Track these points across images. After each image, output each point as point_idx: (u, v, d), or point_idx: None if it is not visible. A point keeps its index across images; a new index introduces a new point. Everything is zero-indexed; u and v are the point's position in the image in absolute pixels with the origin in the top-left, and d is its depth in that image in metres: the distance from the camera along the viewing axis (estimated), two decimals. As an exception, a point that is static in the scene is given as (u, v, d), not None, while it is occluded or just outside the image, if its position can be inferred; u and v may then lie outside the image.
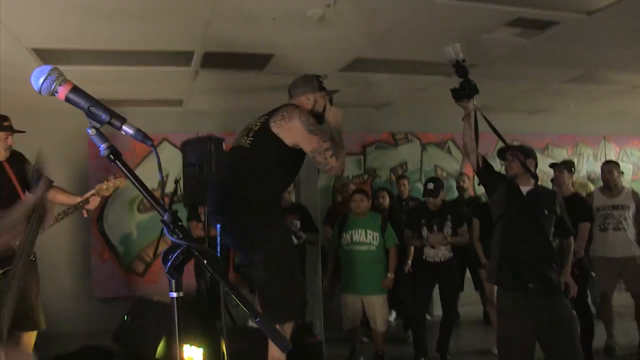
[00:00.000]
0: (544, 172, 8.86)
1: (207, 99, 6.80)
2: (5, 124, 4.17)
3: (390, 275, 5.47)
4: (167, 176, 7.12)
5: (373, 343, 5.66)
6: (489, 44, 4.94)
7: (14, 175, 4.24)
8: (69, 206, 4.26)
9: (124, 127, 1.62)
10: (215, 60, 5.19)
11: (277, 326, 3.43)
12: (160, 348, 4.80)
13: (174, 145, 7.18)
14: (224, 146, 5.64)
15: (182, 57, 5.06)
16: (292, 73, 5.75)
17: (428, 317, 6.34)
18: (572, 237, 4.04)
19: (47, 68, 1.58)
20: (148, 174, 6.99)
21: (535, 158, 3.97)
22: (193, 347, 4.73)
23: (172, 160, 6.85)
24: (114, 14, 3.93)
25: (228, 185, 3.57)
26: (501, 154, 4.09)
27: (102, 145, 1.59)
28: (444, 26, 4.50)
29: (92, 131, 1.57)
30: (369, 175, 8.06)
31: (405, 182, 7.42)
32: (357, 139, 8.01)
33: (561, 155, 9.01)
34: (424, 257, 5.53)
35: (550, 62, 5.75)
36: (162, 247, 6.81)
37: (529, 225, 3.73)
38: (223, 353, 4.25)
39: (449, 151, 8.46)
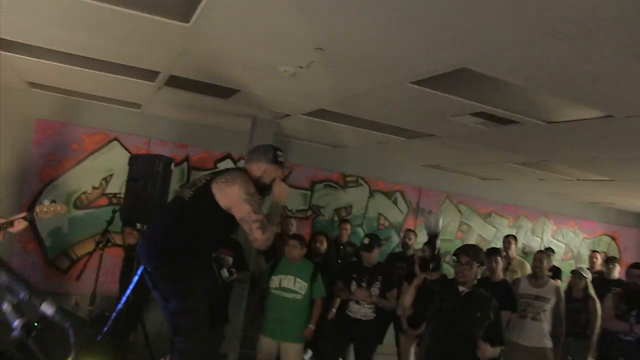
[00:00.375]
0: (483, 238, 9.16)
1: (166, 109, 6.69)
2: None
3: (312, 327, 5.48)
4: (111, 176, 6.97)
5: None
6: (451, 123, 5.04)
7: None
8: None
9: (42, 308, 1.59)
10: (179, 83, 5.11)
11: None
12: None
13: (124, 147, 7.04)
14: (172, 167, 5.59)
15: (147, 74, 4.96)
16: (255, 107, 5.79)
17: (341, 360, 6.37)
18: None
19: None
20: (94, 168, 6.88)
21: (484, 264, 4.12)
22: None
23: (119, 161, 6.75)
24: (91, 29, 3.82)
25: (159, 232, 3.72)
26: (458, 250, 4.19)
27: (15, 322, 1.56)
28: (411, 104, 4.56)
29: (6, 307, 1.52)
30: (313, 212, 8.07)
31: (348, 226, 7.46)
32: (307, 174, 8.02)
33: (502, 224, 9.29)
34: (347, 311, 5.58)
35: (506, 148, 5.92)
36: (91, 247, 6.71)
37: (459, 326, 3.82)
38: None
39: (395, 202, 8.57)
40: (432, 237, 3.99)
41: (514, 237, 7.58)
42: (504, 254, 7.25)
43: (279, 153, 3.92)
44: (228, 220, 3.63)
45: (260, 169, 3.85)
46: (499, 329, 4.09)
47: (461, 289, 3.99)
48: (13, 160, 6.57)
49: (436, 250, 4.10)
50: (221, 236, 4.00)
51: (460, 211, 9.01)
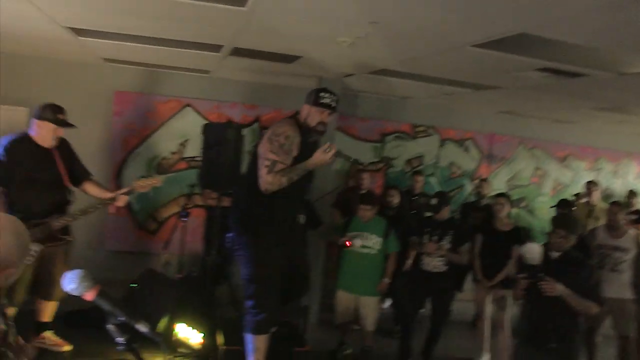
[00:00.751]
0: (560, 183, 8.91)
1: (234, 73, 6.85)
2: (59, 116, 4.41)
3: (386, 280, 5.62)
4: (187, 141, 7.27)
5: (362, 336, 5.87)
6: (517, 77, 4.92)
7: (61, 162, 4.48)
8: (98, 201, 4.51)
9: (138, 326, 1.83)
10: (243, 53, 5.23)
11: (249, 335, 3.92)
12: (163, 323, 5.08)
13: (197, 112, 7.29)
14: (243, 133, 5.78)
15: (211, 47, 5.11)
16: (319, 69, 5.85)
17: (422, 310, 6.52)
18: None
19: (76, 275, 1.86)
20: (170, 134, 7.19)
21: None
22: (194, 330, 5.03)
23: (193, 127, 6.96)
24: (155, 16, 4.00)
25: (237, 195, 4.02)
26: (556, 222, 4.07)
27: (119, 339, 1.80)
28: (474, 64, 4.49)
29: (111, 327, 1.77)
30: (384, 164, 8.11)
31: (420, 178, 7.46)
32: (376, 127, 8.01)
33: (580, 167, 8.98)
34: (420, 264, 5.69)
35: (578, 96, 5.71)
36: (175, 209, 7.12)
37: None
38: (219, 343, 4.53)
39: (467, 150, 8.44)
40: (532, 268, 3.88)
41: (596, 183, 7.28)
42: (585, 199, 7.07)
43: (322, 95, 3.82)
44: None
45: (304, 110, 3.82)
46: (595, 289, 4.03)
47: (554, 254, 3.94)
48: (98, 131, 6.95)
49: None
50: (287, 194, 3.80)
51: (534, 156, 8.77)
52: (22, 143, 4.37)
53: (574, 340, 3.83)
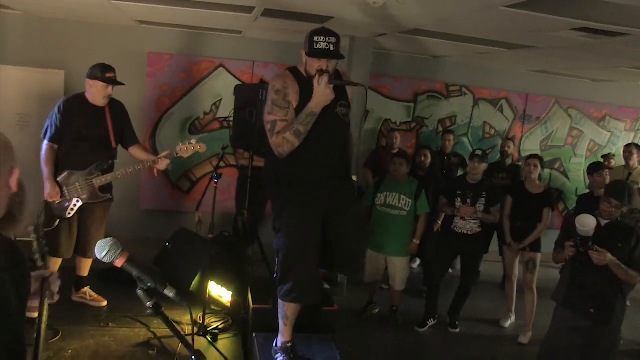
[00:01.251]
0: (596, 144, 8.73)
1: (266, 33, 6.83)
2: (108, 75, 4.61)
3: (416, 241, 5.67)
4: (220, 101, 7.33)
5: (390, 295, 5.98)
6: (552, 37, 4.81)
7: (110, 122, 4.66)
8: (140, 164, 4.68)
9: (165, 292, 1.91)
10: (275, 14, 5.22)
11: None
12: (195, 282, 5.23)
13: (229, 72, 7.32)
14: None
15: (243, 8, 5.11)
16: (351, 29, 5.80)
17: (450, 270, 6.57)
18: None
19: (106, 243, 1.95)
20: (203, 94, 7.27)
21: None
22: (224, 288, 5.18)
23: (226, 87, 7.05)
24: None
25: (267, 159, 3.65)
26: (611, 191, 3.92)
27: (147, 303, 1.89)
28: (508, 24, 4.40)
29: (140, 292, 1.86)
30: (417, 124, 8.06)
31: (451, 137, 7.42)
32: (409, 86, 7.93)
33: (618, 127, 8.77)
34: (452, 226, 5.70)
35: (617, 56, 5.55)
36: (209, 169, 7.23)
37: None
38: (249, 301, 4.65)
39: (501, 109, 8.32)
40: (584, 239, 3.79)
41: (636, 146, 6.94)
42: (623, 163, 6.91)
43: (316, 39, 3.21)
44: None
45: (303, 58, 3.30)
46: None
47: (603, 221, 3.90)
48: (132, 92, 6.97)
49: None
50: (315, 151, 3.37)
51: (570, 116, 8.58)
52: (76, 102, 4.63)
53: (613, 308, 3.82)
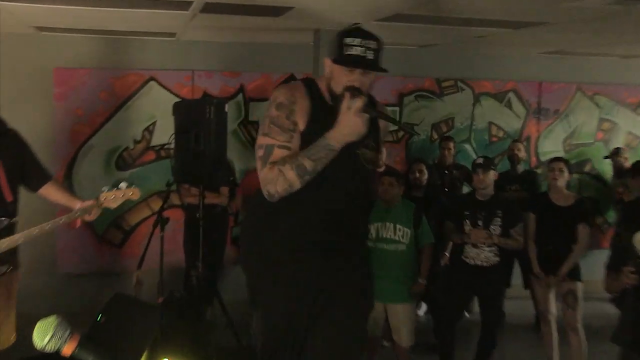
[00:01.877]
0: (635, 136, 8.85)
1: (207, 34, 6.81)
2: None
3: (422, 281, 5.59)
4: (154, 124, 7.26)
5: (396, 354, 5.90)
6: (568, 9, 4.89)
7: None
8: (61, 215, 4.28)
9: None
10: (217, 8, 5.21)
11: None
12: (142, 363, 5.12)
13: (163, 86, 7.26)
14: (225, 109, 5.74)
15: (178, 4, 5.10)
16: (316, 20, 5.81)
17: (467, 314, 6.55)
18: None
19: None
20: (132, 118, 7.19)
21: None
22: (181, 365, 5.07)
23: (161, 105, 7.03)
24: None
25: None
26: None
27: None
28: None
29: None
30: (405, 133, 8.04)
31: (451, 144, 7.41)
32: (391, 86, 7.92)
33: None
34: (463, 256, 5.66)
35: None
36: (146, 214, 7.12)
37: None
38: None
39: (509, 105, 8.38)
40: None
41: None
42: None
43: (348, 41, 2.87)
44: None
45: (326, 68, 3.00)
46: None
47: None
48: (36, 121, 6.78)
49: None
50: (318, 200, 3.04)
51: (597, 105, 8.63)
52: None
53: None
